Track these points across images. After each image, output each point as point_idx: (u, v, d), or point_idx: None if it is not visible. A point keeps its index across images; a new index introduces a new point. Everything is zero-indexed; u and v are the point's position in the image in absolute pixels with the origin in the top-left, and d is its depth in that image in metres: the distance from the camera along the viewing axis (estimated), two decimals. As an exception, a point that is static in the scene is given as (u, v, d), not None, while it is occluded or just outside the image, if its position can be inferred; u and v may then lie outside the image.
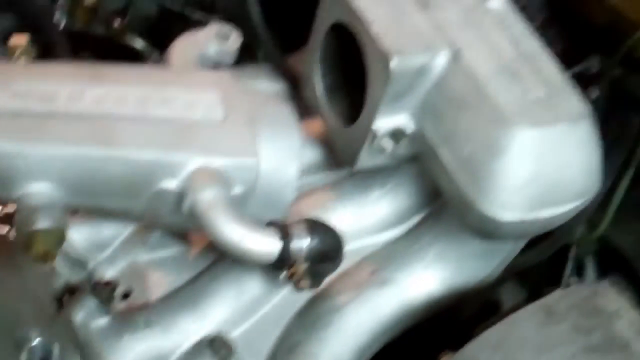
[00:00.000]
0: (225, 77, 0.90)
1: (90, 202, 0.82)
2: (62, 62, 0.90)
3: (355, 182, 1.00)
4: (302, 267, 0.81)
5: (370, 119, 0.88)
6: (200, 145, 0.82)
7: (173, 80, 0.87)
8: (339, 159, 0.95)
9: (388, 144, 0.90)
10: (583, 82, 1.07)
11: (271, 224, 0.82)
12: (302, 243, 0.81)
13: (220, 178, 0.81)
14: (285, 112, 0.90)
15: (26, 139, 0.76)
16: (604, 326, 0.77)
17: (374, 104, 0.87)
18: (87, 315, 0.88)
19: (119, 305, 0.92)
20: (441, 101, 0.86)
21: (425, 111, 0.87)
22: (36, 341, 0.84)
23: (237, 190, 0.82)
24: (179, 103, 0.84)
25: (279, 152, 0.86)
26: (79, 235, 0.94)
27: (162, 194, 0.81)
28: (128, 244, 0.95)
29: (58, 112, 0.79)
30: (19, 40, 1.01)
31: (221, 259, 0.94)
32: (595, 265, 1.11)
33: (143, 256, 0.95)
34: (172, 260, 0.95)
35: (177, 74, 0.91)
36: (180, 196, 0.80)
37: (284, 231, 0.81)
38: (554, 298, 0.80)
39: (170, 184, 0.80)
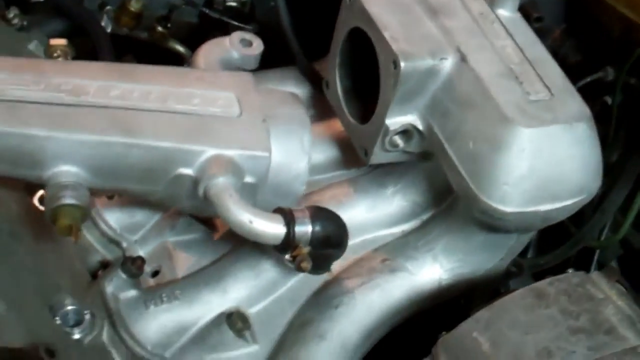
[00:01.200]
0: (243, 78, 0.97)
1: (113, 184, 0.90)
2: (94, 62, 0.99)
3: (371, 178, 1.07)
4: (305, 250, 0.87)
5: (383, 117, 0.95)
6: (215, 137, 0.89)
7: (194, 80, 0.94)
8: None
9: (399, 141, 0.97)
10: (599, 90, 1.13)
11: (278, 210, 0.89)
12: (306, 228, 0.87)
13: (233, 167, 0.88)
14: (298, 111, 0.97)
15: (57, 126, 0.84)
16: (592, 311, 0.81)
17: (385, 103, 0.94)
18: (117, 288, 0.96)
19: (148, 281, 1.00)
20: (448, 101, 0.92)
21: (434, 110, 0.93)
22: (69, 307, 0.90)
23: (249, 179, 0.89)
24: (197, 99, 0.91)
25: (290, 147, 0.93)
26: (114, 218, 1.04)
27: (180, 179, 0.88)
28: (158, 228, 1.04)
29: (87, 104, 0.87)
30: (59, 40, 1.11)
31: (243, 243, 1.02)
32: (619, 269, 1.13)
33: (171, 239, 1.03)
34: (197, 243, 1.03)
35: (198, 74, 0.98)
36: (195, 182, 0.88)
37: (289, 217, 0.87)
38: (546, 283, 0.84)
39: (187, 171, 0.88)
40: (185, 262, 1.01)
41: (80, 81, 0.89)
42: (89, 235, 1.02)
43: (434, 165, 0.98)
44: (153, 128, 0.87)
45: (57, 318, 0.90)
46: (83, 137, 0.85)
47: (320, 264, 0.91)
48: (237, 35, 1.07)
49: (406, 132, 0.96)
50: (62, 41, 1.11)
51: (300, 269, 0.88)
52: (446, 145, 0.92)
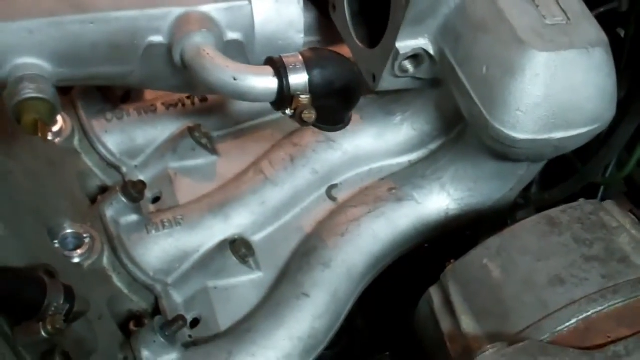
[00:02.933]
0: None
1: (82, 71, 0.81)
2: None
3: (378, 106, 1.05)
4: (304, 99, 0.76)
5: (393, 41, 0.91)
6: None
7: None
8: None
9: (410, 66, 0.94)
10: (612, 21, 1.10)
11: (267, 60, 0.78)
12: (301, 75, 0.77)
13: (208, 23, 0.79)
14: None
15: (0, 16, 0.76)
16: (605, 239, 0.80)
17: (396, 26, 0.90)
18: (117, 212, 0.94)
19: (149, 207, 0.98)
20: (461, 24, 0.89)
21: (446, 34, 0.90)
22: (69, 231, 0.88)
23: (233, 35, 0.80)
24: None
25: None
26: (114, 143, 1.01)
27: (152, 50, 0.80)
28: (159, 152, 1.01)
29: None
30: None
31: (247, 170, 1.00)
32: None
33: (173, 164, 1.01)
34: (199, 169, 1.01)
35: None
36: (169, 48, 0.79)
37: (279, 65, 0.77)
38: (558, 211, 0.82)
39: (157, 38, 0.79)
40: (187, 189, 0.99)
41: None
42: (87, 160, 0.99)
43: (443, 93, 0.95)
44: None
45: (56, 242, 0.87)
46: (31, 22, 0.77)
47: (328, 115, 0.80)
48: None
49: (417, 57, 0.93)
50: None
51: (303, 122, 0.77)
52: (458, 70, 0.89)
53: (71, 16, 0.78)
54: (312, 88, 0.77)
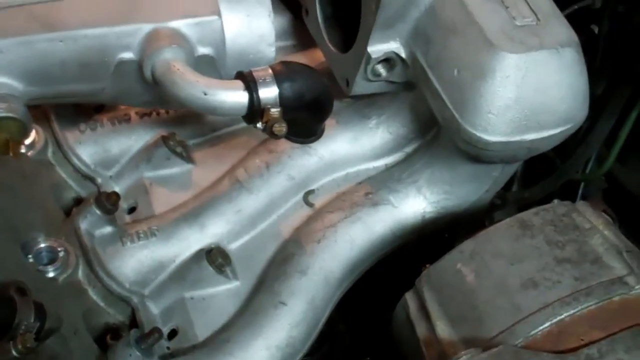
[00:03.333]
0: None
1: (53, 89, 0.81)
2: None
3: (353, 110, 1.04)
4: (275, 112, 0.76)
5: (365, 45, 0.91)
6: (151, 10, 0.79)
7: None
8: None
9: (382, 70, 0.94)
10: (586, 18, 1.09)
11: (237, 74, 0.79)
12: (271, 89, 0.77)
13: (178, 39, 0.79)
14: None
15: None
16: (578, 241, 0.79)
17: (367, 30, 0.90)
18: (91, 224, 0.93)
19: (124, 218, 0.97)
20: (431, 27, 0.89)
21: (417, 37, 0.90)
22: (42, 245, 0.87)
23: (203, 50, 0.81)
24: None
25: (245, 5, 0.82)
26: (88, 154, 1.00)
27: (123, 67, 0.80)
28: (133, 162, 1.01)
29: (2, 4, 0.78)
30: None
31: (222, 177, 0.99)
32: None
33: (148, 173, 1.00)
34: (174, 178, 1.00)
35: None
36: (140, 65, 0.79)
37: (249, 79, 0.77)
38: (531, 213, 0.82)
39: (127, 55, 0.79)
40: (162, 198, 0.99)
41: None
42: (61, 171, 0.99)
43: (417, 96, 0.95)
44: (76, 16, 0.78)
45: (30, 256, 0.87)
46: (1, 42, 0.76)
47: (299, 128, 0.81)
48: None
49: (389, 61, 0.93)
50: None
51: (273, 135, 0.77)
52: (429, 74, 0.89)
53: (40, 35, 0.78)
54: (283, 101, 0.78)
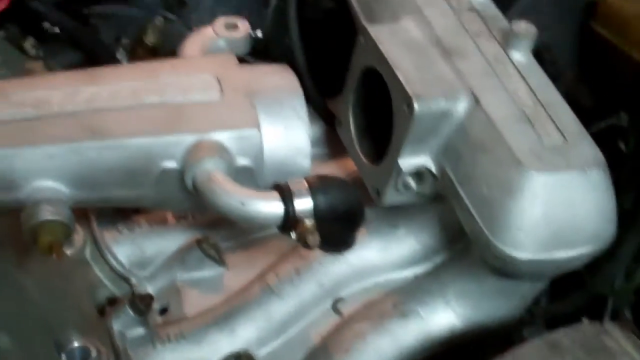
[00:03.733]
0: (223, 57, 0.91)
1: (97, 194, 0.85)
2: (59, 72, 0.95)
3: (384, 218, 1.06)
4: (308, 223, 0.79)
5: (395, 159, 0.94)
6: (195, 122, 0.83)
7: (167, 70, 0.89)
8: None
9: (412, 183, 0.96)
10: (612, 136, 1.12)
11: (274, 186, 0.82)
12: (306, 201, 0.80)
13: (219, 151, 0.82)
14: (286, 79, 0.91)
15: (22, 140, 0.81)
16: (607, 363, 0.80)
17: (398, 145, 0.93)
18: (124, 325, 0.95)
19: (156, 319, 0.99)
20: (462, 144, 0.91)
21: (447, 153, 0.93)
22: (76, 344, 0.89)
23: (243, 162, 0.84)
24: (171, 88, 0.86)
25: (283, 118, 0.86)
26: (124, 253, 1.03)
27: (166, 176, 0.83)
28: (168, 264, 1.03)
29: (52, 114, 0.83)
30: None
31: (254, 282, 1.01)
32: (632, 318, 1.11)
33: (181, 275, 1.02)
34: (207, 280, 1.02)
35: (172, 63, 0.92)
36: (182, 174, 0.83)
37: (286, 191, 0.80)
38: (560, 334, 0.82)
39: (170, 164, 0.83)
40: (194, 300, 1.00)
41: (43, 93, 0.85)
42: (97, 271, 1.01)
43: (447, 208, 0.97)
44: (124, 125, 0.82)
45: (63, 355, 0.89)
46: (51, 148, 0.81)
47: (331, 240, 0.83)
48: (220, 21, 1.01)
49: (419, 174, 0.95)
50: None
51: (307, 246, 0.80)
52: (459, 189, 0.91)
53: (89, 142, 0.82)
54: (317, 213, 0.80)
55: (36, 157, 0.81)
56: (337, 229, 0.85)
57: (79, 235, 1.02)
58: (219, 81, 0.88)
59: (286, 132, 0.87)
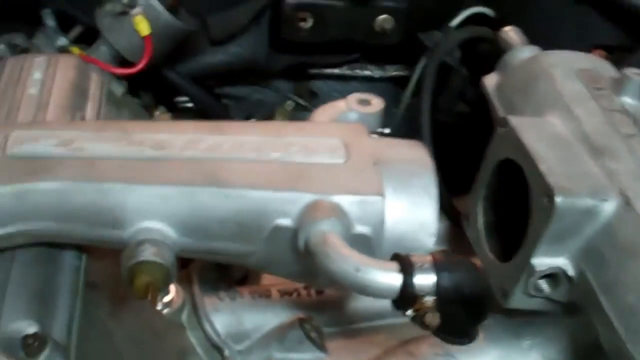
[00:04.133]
0: (353, 126, 0.89)
1: (205, 244, 0.81)
2: (183, 121, 0.95)
3: (506, 326, 0.96)
4: (429, 301, 0.72)
5: (529, 256, 0.85)
6: (316, 182, 0.79)
7: (294, 130, 0.87)
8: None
9: (545, 286, 0.87)
10: None
11: (393, 256, 0.75)
12: (428, 277, 0.73)
13: (338, 213, 0.77)
14: (418, 153, 0.87)
15: (137, 178, 0.79)
16: None
17: (534, 241, 0.85)
18: (212, 396, 0.88)
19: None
20: (607, 247, 0.82)
21: (588, 256, 0.84)
22: (162, 406, 0.84)
23: (361, 229, 0.79)
24: (297, 147, 0.83)
25: (410, 191, 0.81)
26: (221, 323, 0.97)
27: (278, 233, 0.79)
28: (265, 340, 0.96)
29: (171, 157, 0.81)
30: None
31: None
32: None
33: (278, 354, 0.95)
34: (305, 364, 0.95)
35: (299, 125, 0.90)
36: (295, 233, 0.78)
37: (406, 263, 0.73)
38: None
39: (285, 222, 0.78)
40: (288, 383, 0.93)
41: (166, 136, 0.84)
42: (191, 336, 0.95)
43: (582, 322, 0.86)
44: (243, 176, 0.79)
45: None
46: (165, 188, 0.78)
47: (451, 326, 0.75)
48: (354, 95, 0.99)
49: (553, 277, 0.86)
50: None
51: (425, 327, 0.72)
52: (600, 297, 0.81)
53: (205, 188, 0.79)
54: (439, 291, 0.73)
55: (149, 197, 0.79)
56: (459, 314, 0.77)
57: (179, 296, 0.97)
58: (345, 146, 0.84)
59: (412, 206, 0.82)
